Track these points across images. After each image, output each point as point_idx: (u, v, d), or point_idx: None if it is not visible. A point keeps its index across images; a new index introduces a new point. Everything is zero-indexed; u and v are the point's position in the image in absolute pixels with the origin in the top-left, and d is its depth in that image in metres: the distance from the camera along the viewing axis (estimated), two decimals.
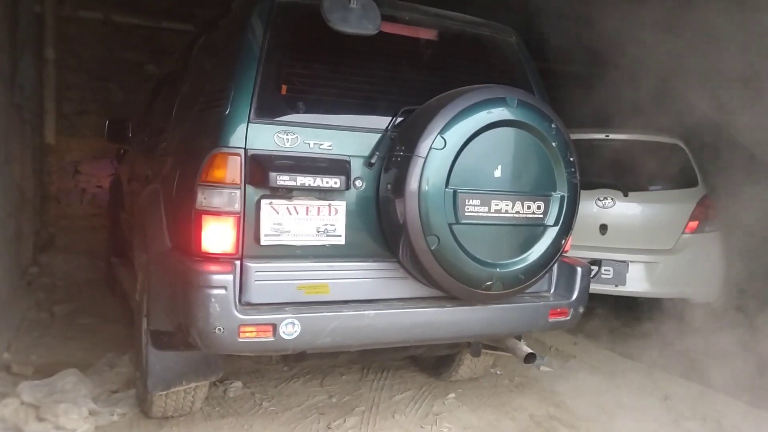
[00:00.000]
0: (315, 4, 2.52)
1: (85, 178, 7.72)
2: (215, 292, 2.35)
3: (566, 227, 2.80)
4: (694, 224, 4.97)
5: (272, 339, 2.41)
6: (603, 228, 5.03)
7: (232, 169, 2.43)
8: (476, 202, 2.56)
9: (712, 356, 4.07)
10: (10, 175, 5.50)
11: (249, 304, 2.46)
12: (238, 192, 2.44)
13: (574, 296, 3.08)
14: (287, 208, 2.48)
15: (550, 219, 2.75)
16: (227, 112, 2.48)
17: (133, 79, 7.66)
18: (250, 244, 2.47)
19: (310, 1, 2.63)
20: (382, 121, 2.69)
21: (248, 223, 2.46)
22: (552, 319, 3.02)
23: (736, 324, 4.44)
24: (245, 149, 2.45)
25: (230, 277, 2.39)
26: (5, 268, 5.06)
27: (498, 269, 2.66)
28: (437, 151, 2.46)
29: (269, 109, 2.52)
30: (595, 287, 4.67)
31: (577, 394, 3.86)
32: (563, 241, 2.82)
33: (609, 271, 4.92)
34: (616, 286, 4.95)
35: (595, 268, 3.22)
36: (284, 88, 2.61)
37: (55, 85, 7.25)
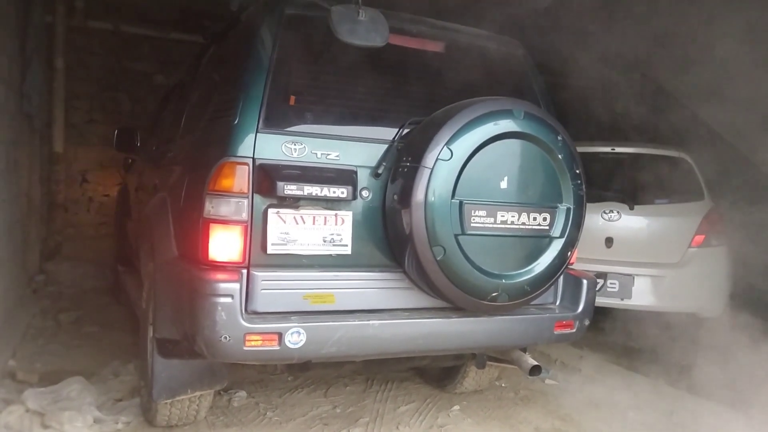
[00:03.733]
0: (323, 17, 2.55)
1: (92, 186, 7.77)
2: (222, 300, 2.36)
3: (572, 239, 2.80)
4: (700, 238, 4.95)
5: (278, 348, 2.42)
6: (609, 241, 5.02)
7: (240, 178, 2.45)
8: (482, 213, 2.57)
9: (718, 371, 4.04)
10: (18, 183, 5.54)
11: (255, 312, 2.46)
12: (245, 201, 2.45)
13: (580, 309, 3.07)
14: (294, 218, 2.49)
15: (556, 231, 2.75)
16: (236, 121, 2.50)
17: (142, 89, 7.72)
18: (257, 253, 2.48)
19: (318, 14, 2.66)
20: (389, 132, 2.71)
21: (255, 232, 2.47)
22: (557, 331, 3.01)
23: (742, 339, 4.42)
24: (253, 159, 2.46)
25: (237, 285, 2.40)
26: (12, 276, 5.08)
27: (503, 280, 2.66)
28: (444, 162, 2.48)
29: (277, 119, 2.54)
30: (601, 300, 4.65)
31: (583, 407, 3.84)
32: (569, 253, 2.82)
33: (615, 284, 4.90)
34: (622, 299, 4.93)
35: (600, 281, 3.22)
36: (292, 98, 2.63)
37: (64, 95, 7.30)
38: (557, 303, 3.14)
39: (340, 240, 2.58)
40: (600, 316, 5.03)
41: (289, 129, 2.55)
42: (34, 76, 5.75)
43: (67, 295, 6.14)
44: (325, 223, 2.55)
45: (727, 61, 4.57)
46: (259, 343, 2.41)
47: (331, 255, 2.58)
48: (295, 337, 2.43)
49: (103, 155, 7.55)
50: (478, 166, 2.53)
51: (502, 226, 2.62)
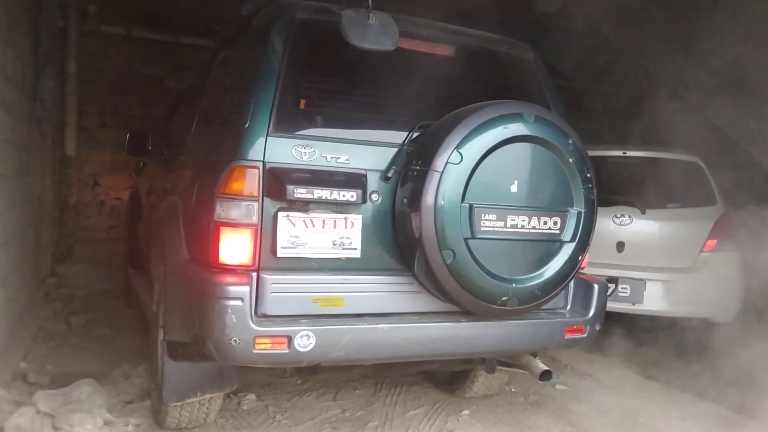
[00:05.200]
0: (334, 21, 2.56)
1: (103, 190, 7.82)
2: (232, 303, 2.36)
3: (583, 243, 2.78)
4: (712, 243, 4.91)
5: (287, 351, 2.42)
6: (620, 245, 4.99)
7: (251, 181, 2.45)
8: (492, 216, 2.56)
9: (730, 377, 4.01)
10: (30, 187, 5.59)
11: (264, 315, 2.46)
12: (255, 204, 2.46)
13: (591, 313, 3.05)
14: (304, 221, 2.49)
15: (567, 235, 2.73)
16: (246, 125, 2.51)
17: (153, 93, 7.78)
18: (267, 256, 2.48)
19: (329, 18, 2.67)
20: (399, 136, 2.71)
21: (265, 236, 2.47)
22: (568, 336, 2.99)
23: (754, 344, 4.38)
24: (263, 162, 2.47)
25: (247, 288, 2.40)
26: (24, 278, 5.12)
27: (514, 285, 2.64)
28: (453, 165, 2.47)
29: (288, 123, 2.54)
30: (612, 305, 4.63)
31: (594, 413, 3.81)
32: (580, 258, 2.80)
33: (626, 289, 4.87)
34: (633, 304, 4.90)
35: (612, 286, 3.20)
36: (302, 102, 2.63)
37: (77, 99, 7.37)
38: (568, 308, 3.12)
39: (350, 243, 2.57)
40: (611, 321, 5.01)
41: (299, 133, 2.56)
42: (47, 80, 5.81)
43: (78, 297, 6.18)
44: (334, 227, 2.54)
45: (739, 64, 4.54)
46: (269, 346, 2.41)
47: (340, 258, 2.58)
48: (305, 341, 2.43)
49: (114, 159, 7.61)
50: (489, 170, 2.52)
51: (513, 230, 2.60)
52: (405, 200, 2.57)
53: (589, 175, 2.75)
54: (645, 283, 4.88)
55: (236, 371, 2.97)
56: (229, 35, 3.46)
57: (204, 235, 2.58)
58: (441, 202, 2.46)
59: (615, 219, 5.01)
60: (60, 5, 6.66)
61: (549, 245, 2.73)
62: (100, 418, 3.13)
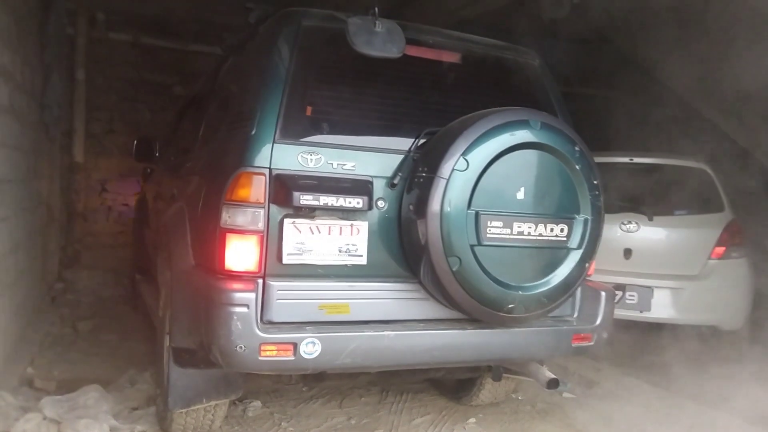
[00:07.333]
0: (340, 28, 2.57)
1: (111, 196, 7.85)
2: (237, 310, 2.36)
3: (590, 251, 2.77)
4: (720, 250, 4.88)
5: (293, 358, 2.42)
6: (627, 252, 4.97)
7: (257, 188, 2.46)
8: (498, 223, 2.55)
9: (739, 385, 3.97)
10: (38, 192, 5.62)
11: (270, 322, 2.46)
12: (261, 211, 2.46)
13: (598, 321, 3.03)
14: (310, 228, 2.50)
15: (574, 242, 2.72)
16: (253, 132, 2.52)
17: (161, 100, 7.81)
18: (273, 263, 2.48)
19: (335, 25, 2.68)
20: (405, 143, 2.71)
21: (271, 242, 2.47)
22: (575, 344, 2.98)
23: (763, 352, 4.34)
24: (270, 169, 2.47)
25: (252, 295, 2.40)
26: (31, 284, 5.14)
27: (520, 292, 2.63)
28: (460, 172, 2.47)
29: (294, 130, 2.55)
30: (620, 312, 4.59)
31: (601, 421, 3.78)
32: (587, 265, 2.79)
33: (633, 296, 4.85)
34: (641, 311, 4.87)
35: (619, 293, 3.18)
36: (309, 109, 2.64)
37: (85, 105, 7.41)
38: (575, 315, 3.10)
39: (356, 250, 2.57)
40: (619, 328, 4.97)
41: (305, 139, 2.56)
42: (54, 86, 5.84)
43: (85, 303, 6.20)
44: (340, 234, 2.54)
45: (747, 70, 4.52)
46: (275, 352, 2.41)
47: (346, 265, 2.58)
48: (310, 348, 2.43)
49: (122, 165, 7.64)
50: (495, 177, 2.52)
51: (519, 237, 2.59)
52: (411, 207, 2.57)
53: (595, 181, 2.74)
54: (652, 290, 4.85)
55: (242, 378, 2.97)
56: (236, 42, 3.47)
57: (210, 242, 2.59)
58: (447, 208, 2.45)
59: (622, 226, 4.98)
60: (68, 12, 6.71)
61: (556, 252, 2.72)
62: (106, 424, 3.13)
